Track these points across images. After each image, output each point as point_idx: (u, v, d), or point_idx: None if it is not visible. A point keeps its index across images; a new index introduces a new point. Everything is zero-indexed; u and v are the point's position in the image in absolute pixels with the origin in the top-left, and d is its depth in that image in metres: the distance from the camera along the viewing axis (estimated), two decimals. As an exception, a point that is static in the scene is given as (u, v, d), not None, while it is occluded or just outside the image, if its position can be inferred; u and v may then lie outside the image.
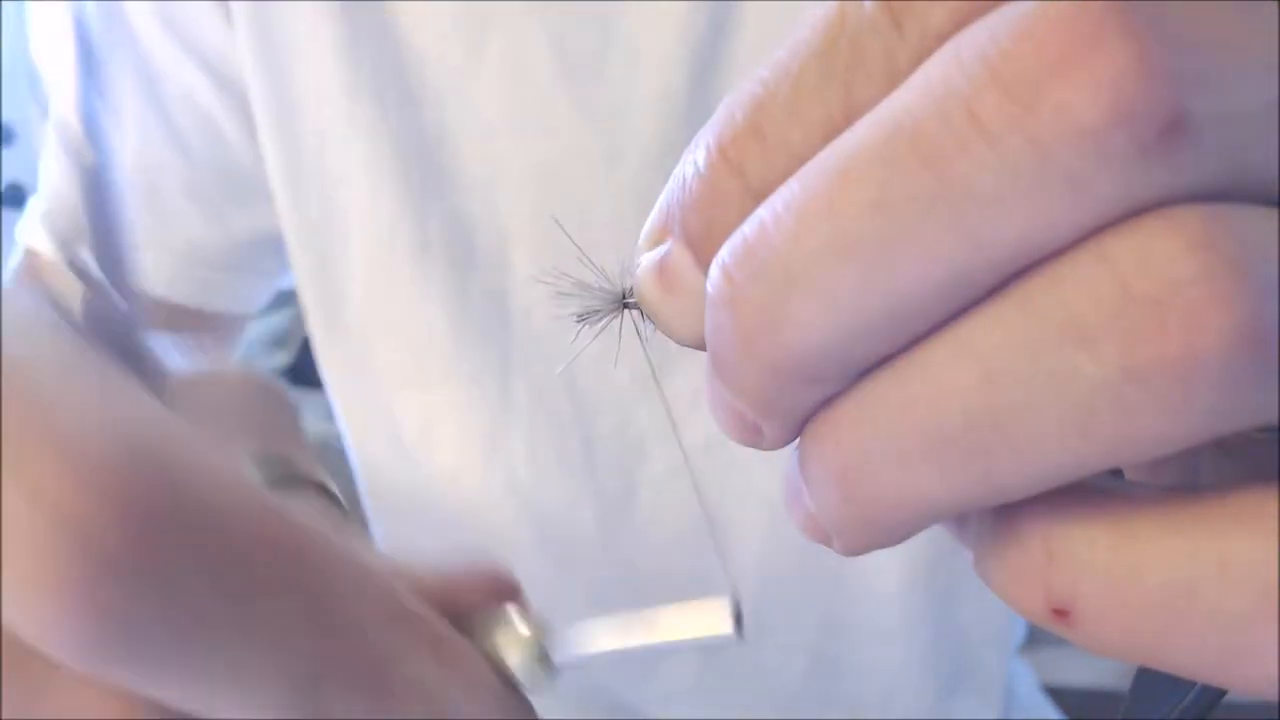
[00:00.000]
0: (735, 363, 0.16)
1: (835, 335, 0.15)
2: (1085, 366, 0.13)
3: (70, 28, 0.22)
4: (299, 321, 0.59)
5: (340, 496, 0.21)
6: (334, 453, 0.62)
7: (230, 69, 0.56)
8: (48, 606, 0.14)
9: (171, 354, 0.22)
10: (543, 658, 0.18)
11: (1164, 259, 0.13)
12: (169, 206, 0.59)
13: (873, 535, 0.16)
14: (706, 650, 0.17)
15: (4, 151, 1.64)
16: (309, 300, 0.58)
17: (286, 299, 0.66)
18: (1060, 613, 0.15)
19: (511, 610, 0.19)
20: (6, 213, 1.48)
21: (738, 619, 0.18)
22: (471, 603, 0.20)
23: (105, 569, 0.14)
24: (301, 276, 0.58)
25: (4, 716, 0.15)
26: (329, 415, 0.60)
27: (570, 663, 0.18)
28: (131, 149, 0.58)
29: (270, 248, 0.60)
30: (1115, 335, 0.13)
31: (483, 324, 0.54)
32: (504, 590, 0.20)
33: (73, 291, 0.19)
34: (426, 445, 0.57)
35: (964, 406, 0.14)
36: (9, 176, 1.58)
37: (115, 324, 0.19)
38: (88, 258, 0.20)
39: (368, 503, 0.62)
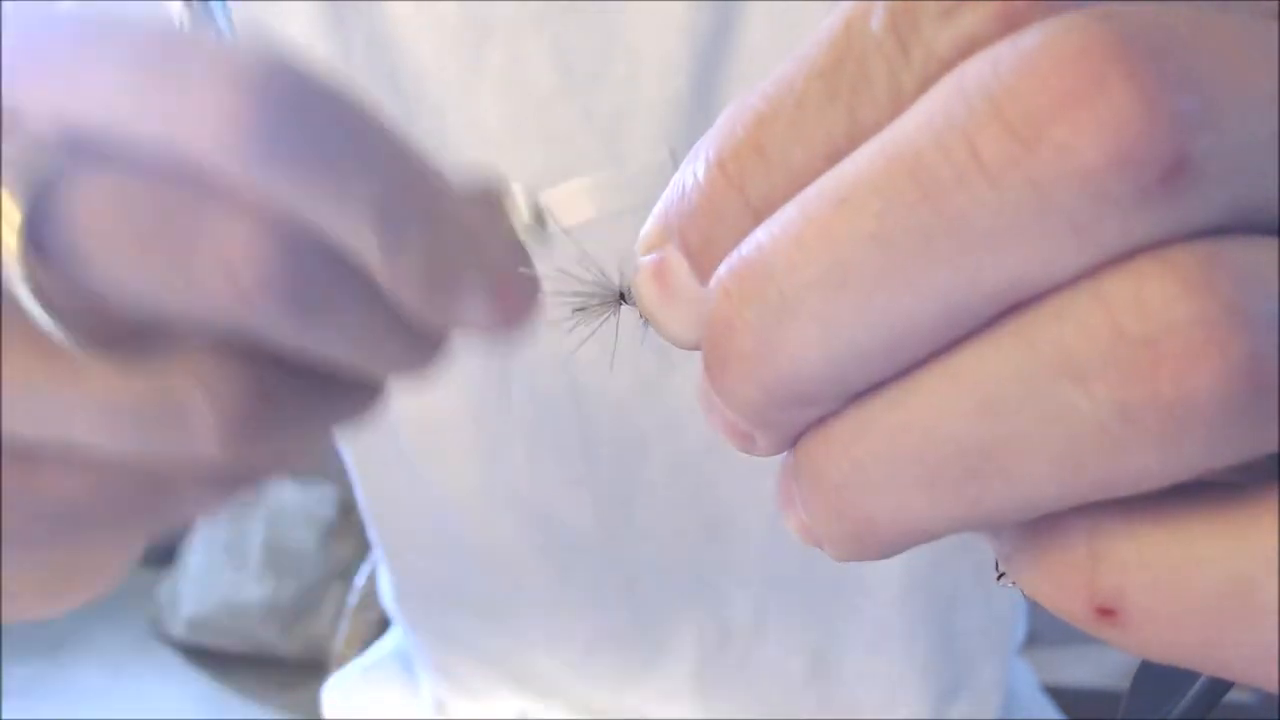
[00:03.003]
0: (730, 380, 0.16)
1: (830, 361, 0.15)
2: (1078, 402, 0.13)
3: None
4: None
5: None
6: (333, 456, 0.62)
7: None
8: (216, 120, 0.18)
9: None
10: (541, 217, 0.23)
11: (1160, 301, 0.13)
12: None
13: (863, 550, 0.17)
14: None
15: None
16: None
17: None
18: (1105, 612, 0.15)
19: (512, 189, 0.23)
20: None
21: None
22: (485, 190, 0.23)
23: (268, 94, 0.18)
24: None
25: (165, 222, 0.19)
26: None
27: (559, 231, 0.23)
28: None
29: None
30: (1109, 374, 0.13)
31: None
32: (504, 183, 0.24)
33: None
34: (426, 448, 0.56)
35: (957, 435, 0.14)
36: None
37: None
38: None
39: (367, 506, 0.62)
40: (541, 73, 0.51)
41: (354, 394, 0.24)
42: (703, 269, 0.17)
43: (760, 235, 0.15)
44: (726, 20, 0.50)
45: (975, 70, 0.14)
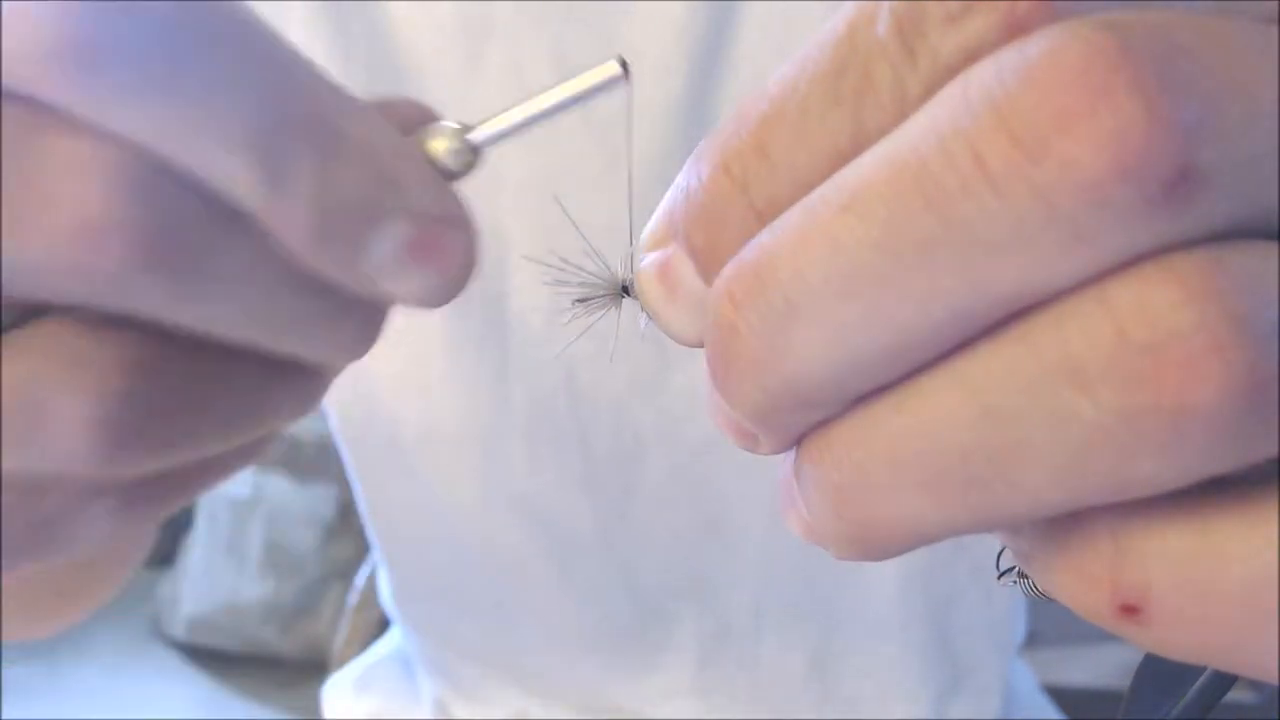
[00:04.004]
0: (734, 383, 0.16)
1: (834, 366, 0.15)
2: (1082, 408, 0.14)
3: None
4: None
5: None
6: (332, 456, 0.62)
7: None
8: (37, 39, 0.15)
9: None
10: (466, 143, 0.19)
11: (1163, 308, 0.13)
12: None
13: (864, 551, 0.17)
14: (595, 97, 0.19)
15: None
16: None
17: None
18: (1129, 610, 0.15)
19: (435, 121, 0.20)
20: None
21: (623, 64, 0.19)
22: (398, 117, 0.20)
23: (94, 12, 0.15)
24: None
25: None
26: (327, 418, 0.60)
27: (491, 140, 0.19)
28: None
29: None
30: (1112, 380, 0.13)
31: (480, 329, 0.54)
32: (428, 112, 0.21)
33: None
34: (424, 449, 0.56)
35: (960, 439, 0.14)
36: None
37: None
38: None
39: (366, 506, 0.62)
40: (540, 73, 0.51)
41: (282, 379, 0.20)
42: (706, 269, 0.17)
43: (764, 239, 0.15)
44: (723, 21, 0.50)
45: (980, 77, 0.14)
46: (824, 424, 0.16)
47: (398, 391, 0.56)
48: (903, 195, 0.14)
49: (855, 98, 0.15)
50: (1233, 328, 0.13)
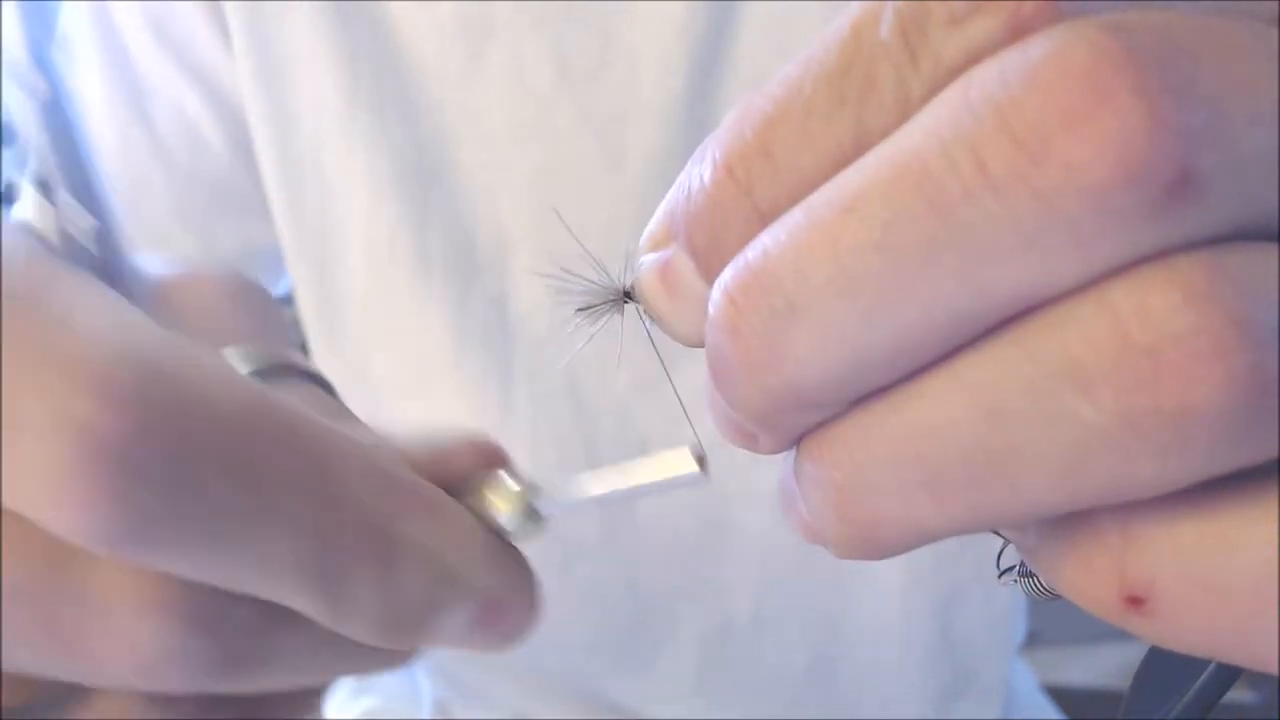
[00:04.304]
0: (734, 384, 0.16)
1: (834, 367, 0.15)
2: (1082, 410, 0.14)
3: None
4: (295, 329, 0.59)
5: (329, 383, 0.22)
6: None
7: (222, 80, 0.56)
8: (58, 498, 0.15)
9: (154, 262, 0.23)
10: (531, 510, 0.20)
11: (1164, 310, 0.13)
12: (153, 223, 0.59)
13: (865, 550, 0.17)
14: (676, 490, 0.19)
15: (4, 151, 1.64)
16: (307, 309, 0.58)
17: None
18: (1135, 601, 0.15)
19: (500, 472, 0.20)
20: (7, 212, 1.47)
21: (701, 461, 0.19)
22: (461, 470, 0.20)
23: (109, 461, 0.15)
24: (299, 286, 0.58)
25: (39, 603, 0.16)
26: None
27: (556, 510, 0.20)
28: (114, 162, 0.58)
29: (259, 262, 0.60)
30: (1113, 382, 0.13)
31: (483, 330, 0.54)
32: (492, 457, 0.21)
33: (47, 217, 0.19)
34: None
35: (961, 440, 0.15)
36: (9, 176, 1.58)
37: (92, 244, 0.20)
38: (57, 185, 0.20)
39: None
40: (541, 73, 0.51)
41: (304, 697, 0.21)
42: (708, 269, 0.17)
43: (766, 240, 0.15)
44: (723, 21, 0.50)
45: (982, 80, 0.14)
46: (825, 424, 0.16)
47: (400, 393, 0.56)
48: (904, 197, 0.14)
49: (858, 99, 0.15)
50: (1234, 330, 0.13)
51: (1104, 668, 1.23)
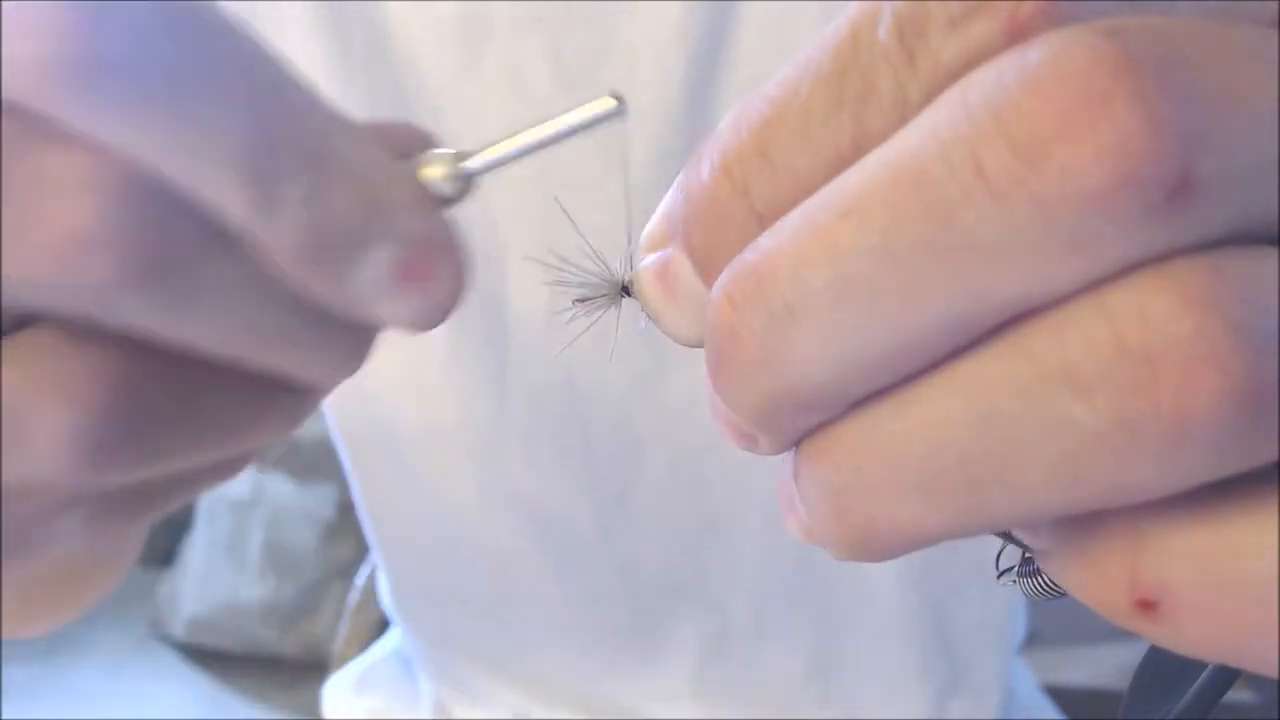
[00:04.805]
0: (733, 386, 0.16)
1: (833, 370, 0.15)
2: (1079, 414, 0.14)
3: None
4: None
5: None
6: (332, 456, 0.62)
7: None
8: (30, 53, 0.15)
9: None
10: (461, 171, 0.19)
11: (1162, 315, 0.13)
12: None
13: (863, 552, 0.17)
14: (593, 129, 0.19)
15: None
16: None
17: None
18: (1146, 605, 0.15)
19: (430, 148, 0.20)
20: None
21: (618, 98, 0.20)
22: (395, 143, 0.20)
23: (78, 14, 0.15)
24: None
25: None
26: (326, 418, 0.60)
27: (485, 168, 0.20)
28: None
29: None
30: (1110, 387, 0.13)
31: (480, 330, 0.54)
32: (424, 138, 0.21)
33: None
34: (422, 449, 0.56)
35: (959, 444, 0.15)
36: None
37: None
38: None
39: (364, 506, 0.62)
40: (539, 73, 0.51)
41: (268, 397, 0.20)
42: (706, 270, 0.17)
43: (764, 243, 0.15)
44: (722, 22, 0.50)
45: (981, 84, 0.14)
46: (824, 426, 0.16)
47: (397, 392, 0.56)
48: (902, 201, 0.14)
49: (856, 101, 0.15)
50: (1231, 336, 0.13)
51: (1104, 668, 1.23)
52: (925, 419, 0.15)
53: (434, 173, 0.19)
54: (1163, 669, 0.22)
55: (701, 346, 0.17)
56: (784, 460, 0.18)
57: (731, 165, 0.16)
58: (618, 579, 0.58)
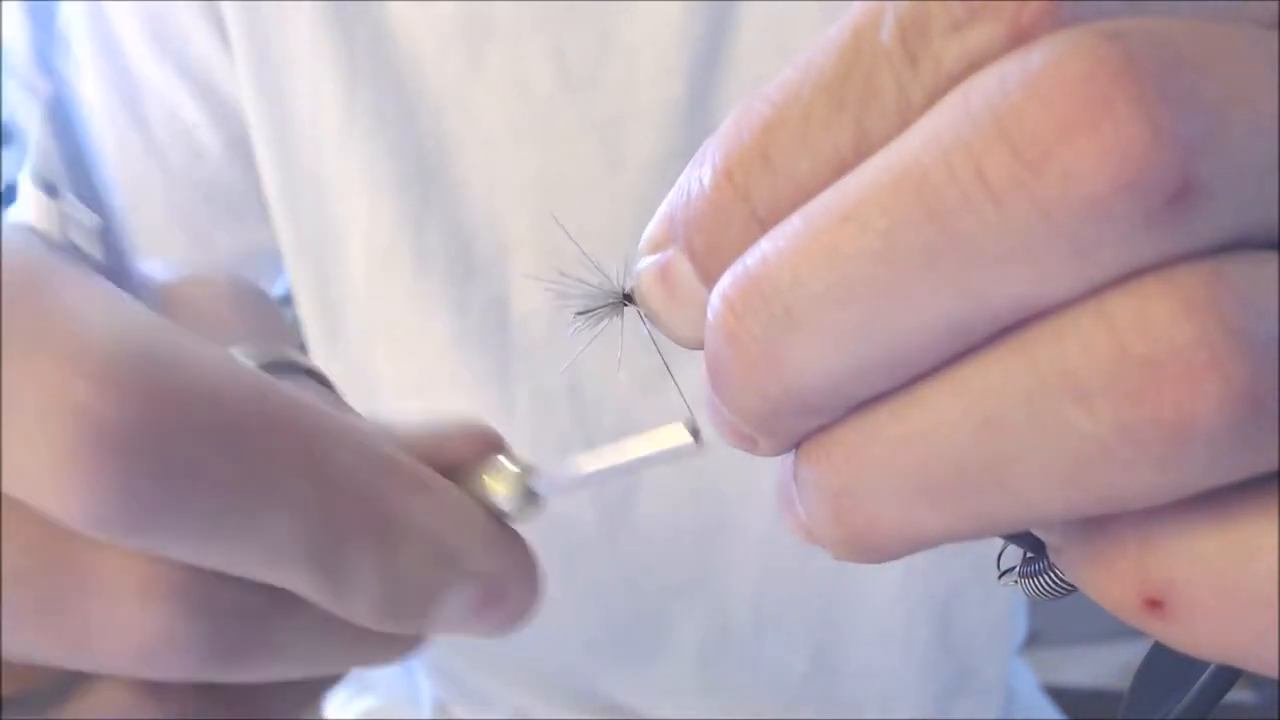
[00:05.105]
0: (733, 389, 0.16)
1: (833, 374, 0.15)
2: (1080, 420, 0.14)
3: None
4: (295, 330, 0.59)
5: (329, 380, 0.22)
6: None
7: (220, 83, 0.56)
8: (59, 483, 0.15)
9: (156, 267, 0.23)
10: (529, 491, 0.20)
11: (1163, 322, 0.13)
12: (149, 226, 0.59)
13: (863, 554, 0.17)
14: (673, 461, 0.19)
15: (4, 151, 1.64)
16: (307, 311, 0.58)
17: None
18: (1153, 604, 0.15)
19: (497, 456, 0.20)
20: (9, 211, 1.47)
21: (694, 433, 0.19)
22: (459, 455, 0.21)
23: (110, 445, 0.15)
24: (299, 287, 0.58)
25: (40, 589, 0.16)
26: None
27: (554, 491, 0.20)
28: (110, 166, 0.58)
29: (257, 264, 0.60)
30: (1111, 393, 0.13)
31: (483, 332, 0.54)
32: (489, 442, 0.21)
33: (50, 215, 0.20)
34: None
35: (958, 448, 0.15)
36: (9, 177, 1.57)
37: (95, 242, 0.20)
38: (60, 183, 0.20)
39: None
40: (540, 74, 0.51)
41: (310, 686, 0.21)
42: (707, 273, 0.17)
43: (764, 247, 0.15)
44: (722, 22, 0.50)
45: (982, 88, 0.14)
46: (824, 429, 0.16)
47: (400, 393, 0.56)
48: (903, 205, 0.14)
49: (858, 104, 0.15)
50: (1232, 342, 0.13)
51: (1104, 668, 1.23)
52: (925, 423, 0.15)
53: (501, 490, 0.20)
54: (1163, 669, 0.22)
55: (702, 348, 0.17)
56: (784, 460, 0.18)
57: (732, 168, 0.16)
58: (619, 579, 0.58)
